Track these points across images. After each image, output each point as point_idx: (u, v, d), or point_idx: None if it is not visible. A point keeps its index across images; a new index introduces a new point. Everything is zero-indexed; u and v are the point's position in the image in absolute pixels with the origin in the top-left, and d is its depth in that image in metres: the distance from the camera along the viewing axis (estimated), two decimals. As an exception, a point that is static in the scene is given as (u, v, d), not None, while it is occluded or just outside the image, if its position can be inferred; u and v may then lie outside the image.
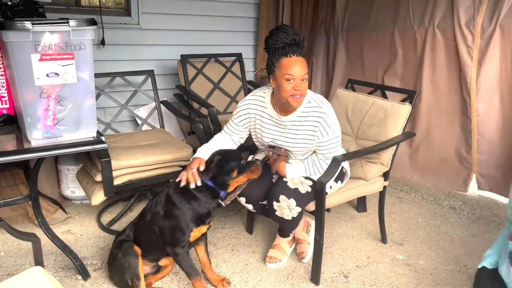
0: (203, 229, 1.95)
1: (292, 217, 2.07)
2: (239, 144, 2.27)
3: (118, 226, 2.68)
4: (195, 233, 1.92)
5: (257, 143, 2.30)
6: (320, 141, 2.05)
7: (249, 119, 2.18)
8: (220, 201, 1.96)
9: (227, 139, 2.22)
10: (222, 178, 1.91)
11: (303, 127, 2.06)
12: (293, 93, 1.91)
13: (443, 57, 3.11)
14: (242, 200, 2.22)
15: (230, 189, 1.97)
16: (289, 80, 1.90)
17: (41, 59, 1.67)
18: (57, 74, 1.72)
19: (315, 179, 2.09)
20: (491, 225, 2.85)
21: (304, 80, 1.92)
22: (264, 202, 2.18)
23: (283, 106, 2.04)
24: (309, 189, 2.08)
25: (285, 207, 2.04)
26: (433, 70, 3.19)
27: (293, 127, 2.08)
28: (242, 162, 1.96)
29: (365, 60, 3.72)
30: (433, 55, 3.16)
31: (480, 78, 2.88)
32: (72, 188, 2.93)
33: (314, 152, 2.16)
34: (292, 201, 2.02)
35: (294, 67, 1.89)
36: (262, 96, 2.15)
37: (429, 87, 3.24)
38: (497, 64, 2.81)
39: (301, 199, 2.05)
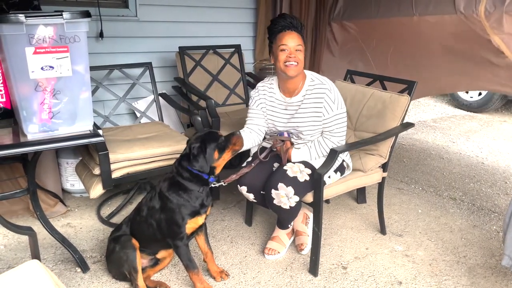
0: (198, 220, 1.94)
1: (290, 206, 2.07)
2: (262, 134, 2.32)
3: (117, 219, 2.69)
4: (191, 225, 1.92)
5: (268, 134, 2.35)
6: (325, 117, 2.14)
7: (262, 103, 2.29)
8: (213, 184, 1.96)
9: (248, 135, 2.23)
10: (205, 164, 1.87)
11: (309, 105, 2.16)
12: (287, 60, 2.07)
13: (460, 35, 3.01)
14: (244, 189, 2.22)
15: (218, 170, 1.97)
16: (283, 50, 2.08)
17: (35, 52, 1.66)
18: (51, 67, 1.71)
19: (322, 162, 2.12)
20: (491, 216, 2.84)
21: (299, 50, 2.08)
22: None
23: (286, 86, 2.18)
24: (308, 178, 2.08)
25: (283, 195, 2.04)
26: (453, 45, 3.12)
27: (300, 108, 2.16)
28: (220, 140, 1.93)
29: (371, 48, 3.69)
30: (449, 35, 3.08)
31: (506, 42, 2.80)
32: (71, 181, 2.93)
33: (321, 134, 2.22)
34: (291, 189, 2.03)
35: (288, 39, 2.08)
36: (270, 83, 2.30)
37: (451, 61, 3.18)
38: None
39: (299, 187, 2.06)
